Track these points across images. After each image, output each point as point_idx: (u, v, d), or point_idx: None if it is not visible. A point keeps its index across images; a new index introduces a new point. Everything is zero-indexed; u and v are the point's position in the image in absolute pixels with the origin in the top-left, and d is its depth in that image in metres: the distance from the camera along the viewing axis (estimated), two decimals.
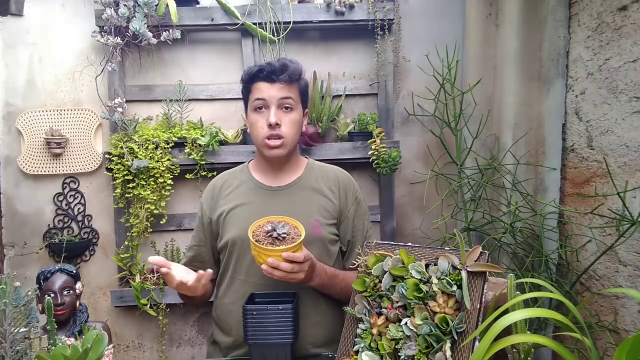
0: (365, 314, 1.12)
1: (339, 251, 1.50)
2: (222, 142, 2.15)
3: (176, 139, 2.10)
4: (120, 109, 2.09)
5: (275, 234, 1.20)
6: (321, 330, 1.41)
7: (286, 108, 1.41)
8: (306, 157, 1.58)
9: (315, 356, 1.37)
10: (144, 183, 2.09)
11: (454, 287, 1.00)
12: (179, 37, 2.10)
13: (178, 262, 2.10)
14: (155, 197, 2.10)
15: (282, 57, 1.48)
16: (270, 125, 1.38)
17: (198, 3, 2.19)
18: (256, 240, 1.20)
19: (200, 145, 2.09)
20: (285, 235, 1.21)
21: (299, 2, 2.17)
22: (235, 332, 1.39)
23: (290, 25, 2.12)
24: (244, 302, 1.24)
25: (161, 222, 2.17)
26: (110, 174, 2.11)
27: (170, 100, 2.16)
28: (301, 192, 1.47)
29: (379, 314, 1.09)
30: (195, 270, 1.33)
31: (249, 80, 1.44)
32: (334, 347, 1.21)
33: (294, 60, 1.46)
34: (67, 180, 2.23)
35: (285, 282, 1.23)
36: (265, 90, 1.40)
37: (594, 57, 1.62)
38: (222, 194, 1.50)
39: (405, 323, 1.02)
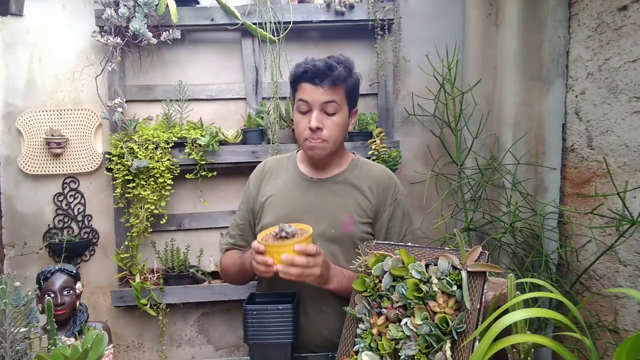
0: (365, 314, 1.12)
1: None
2: (222, 142, 2.15)
3: (176, 139, 2.10)
4: (120, 109, 2.09)
5: (283, 234, 1.21)
6: (330, 320, 1.39)
7: (329, 111, 1.38)
8: (353, 153, 1.56)
9: (317, 354, 1.37)
10: (144, 183, 2.09)
11: (454, 287, 1.00)
12: (179, 37, 2.10)
13: (185, 259, 2.13)
14: (155, 197, 2.10)
15: (332, 56, 1.41)
16: (311, 129, 1.37)
17: (198, 3, 2.19)
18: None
19: (200, 145, 2.09)
20: (293, 234, 1.21)
21: (299, 2, 2.17)
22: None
23: (290, 25, 2.12)
24: (244, 303, 1.24)
25: (161, 222, 2.17)
26: (110, 174, 2.11)
27: (170, 100, 2.16)
28: (339, 186, 1.46)
29: (379, 314, 1.09)
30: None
31: (295, 80, 1.42)
32: (337, 342, 1.20)
33: (343, 59, 1.39)
34: (67, 180, 2.23)
35: (303, 282, 1.20)
36: (308, 92, 1.37)
37: (594, 57, 1.62)
38: (268, 178, 1.53)
39: (405, 323, 1.02)
